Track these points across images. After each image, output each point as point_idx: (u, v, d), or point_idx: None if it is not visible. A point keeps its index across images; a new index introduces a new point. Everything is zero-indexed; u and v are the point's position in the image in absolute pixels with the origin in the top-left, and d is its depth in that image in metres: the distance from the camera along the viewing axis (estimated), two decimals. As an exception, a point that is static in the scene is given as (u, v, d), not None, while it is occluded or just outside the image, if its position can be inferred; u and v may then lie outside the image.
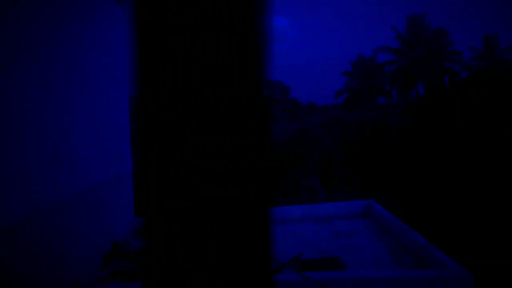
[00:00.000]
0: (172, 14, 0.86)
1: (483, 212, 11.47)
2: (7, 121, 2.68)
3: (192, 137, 0.87)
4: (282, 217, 5.28)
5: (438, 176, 13.95)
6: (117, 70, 4.92)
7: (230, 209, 0.90)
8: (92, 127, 4.04)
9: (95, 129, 4.11)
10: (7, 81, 2.70)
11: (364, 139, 18.14)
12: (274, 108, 35.07)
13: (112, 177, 4.47)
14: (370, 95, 36.42)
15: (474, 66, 33.05)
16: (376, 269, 3.68)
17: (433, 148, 15.37)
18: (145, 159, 0.91)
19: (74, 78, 3.70)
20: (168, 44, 0.86)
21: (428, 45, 31.46)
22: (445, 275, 3.14)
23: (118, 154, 4.82)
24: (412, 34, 32.30)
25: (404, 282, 3.12)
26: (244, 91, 0.91)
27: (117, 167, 4.73)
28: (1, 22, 2.64)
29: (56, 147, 3.31)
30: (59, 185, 3.29)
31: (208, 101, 0.87)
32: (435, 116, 17.83)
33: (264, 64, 0.98)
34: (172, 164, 0.88)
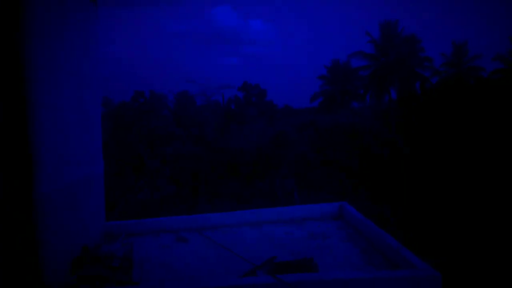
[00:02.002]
0: None
1: (452, 213, 11.84)
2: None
3: None
4: (256, 220, 5.28)
5: (410, 178, 14.31)
6: (89, 68, 4.79)
7: None
8: (61, 126, 3.91)
9: (65, 129, 3.98)
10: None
11: (338, 144, 18.44)
12: (251, 111, 35.11)
13: (82, 179, 4.34)
14: (344, 99, 37.04)
15: (443, 72, 34.17)
16: (348, 270, 3.73)
17: (405, 151, 15.77)
18: None
19: (43, 76, 3.58)
20: None
21: (400, 51, 32.31)
22: (414, 275, 3.23)
23: (89, 153, 4.69)
24: (385, 40, 33.11)
25: (375, 282, 3.18)
26: None
27: (89, 167, 4.59)
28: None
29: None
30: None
31: None
32: (407, 120, 18.30)
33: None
34: None
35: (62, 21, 4.01)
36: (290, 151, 18.59)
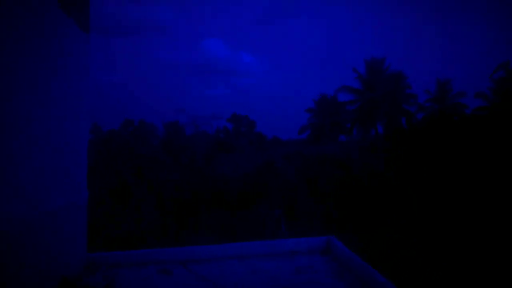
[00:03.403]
0: None
1: (441, 246, 11.83)
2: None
3: None
4: (243, 253, 5.18)
5: (398, 212, 14.36)
6: (77, 96, 4.79)
7: None
8: (46, 153, 3.86)
9: (49, 154, 3.92)
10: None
11: (325, 174, 18.51)
12: (240, 140, 35.27)
13: (64, 206, 4.23)
14: (332, 132, 37.56)
15: (428, 108, 35.13)
16: (335, 307, 3.65)
17: (392, 184, 15.90)
18: None
19: (31, 101, 3.57)
20: None
21: (387, 87, 33.23)
22: (402, 314, 3.17)
23: (73, 181, 4.60)
24: (372, 75, 34.09)
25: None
26: None
27: (72, 195, 4.49)
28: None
29: (3, 171, 3.12)
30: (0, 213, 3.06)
31: None
32: (394, 153, 18.56)
33: None
34: None
35: (49, 47, 4.03)
36: (278, 180, 18.55)
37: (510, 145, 13.91)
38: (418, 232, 12.72)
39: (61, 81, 4.30)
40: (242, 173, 19.39)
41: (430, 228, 12.68)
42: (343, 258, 4.77)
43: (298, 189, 18.06)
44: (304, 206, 16.86)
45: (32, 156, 3.57)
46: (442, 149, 15.91)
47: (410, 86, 33.87)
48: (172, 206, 17.46)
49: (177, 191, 18.11)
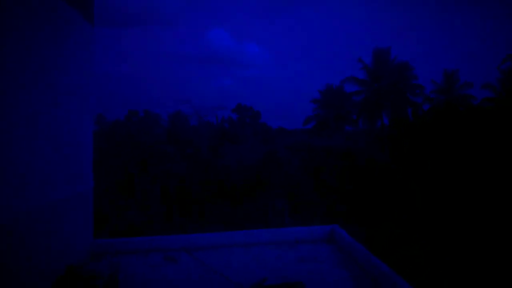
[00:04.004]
0: None
1: (444, 237, 11.81)
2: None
3: None
4: (247, 241, 5.22)
5: (403, 203, 14.32)
6: (83, 87, 4.80)
7: None
8: (52, 144, 3.88)
9: (55, 145, 3.95)
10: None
11: (330, 165, 18.48)
12: (245, 130, 35.23)
13: (71, 196, 4.28)
14: (337, 123, 37.38)
15: (435, 99, 34.76)
16: (338, 295, 3.67)
17: (398, 176, 15.83)
18: None
19: (38, 94, 3.59)
20: None
21: (393, 78, 32.92)
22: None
23: (79, 172, 4.64)
24: (378, 66, 33.76)
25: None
26: None
27: (77, 185, 4.54)
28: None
29: (12, 162, 3.15)
30: (7, 203, 3.10)
31: None
32: (400, 145, 18.45)
33: None
34: None
35: (55, 40, 4.04)
36: (282, 171, 18.57)
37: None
38: (420, 227, 12.69)
39: (66, 72, 4.32)
40: (246, 164, 19.43)
41: (432, 223, 12.65)
42: (347, 247, 4.79)
43: (302, 180, 18.08)
44: (308, 197, 16.89)
45: (38, 147, 3.60)
46: (447, 140, 15.80)
47: (417, 77, 33.53)
48: (176, 196, 17.56)
49: (182, 182, 18.21)
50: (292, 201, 16.19)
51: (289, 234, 5.37)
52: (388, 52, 33.95)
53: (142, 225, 15.39)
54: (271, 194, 16.50)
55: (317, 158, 19.86)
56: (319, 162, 19.21)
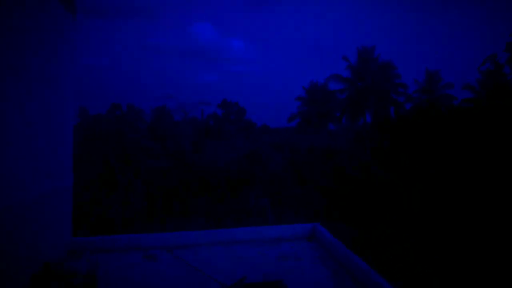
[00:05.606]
0: None
1: (424, 237, 12.03)
2: None
3: None
4: (228, 239, 5.21)
5: (385, 201, 14.54)
6: (63, 79, 4.68)
7: None
8: (29, 137, 3.78)
9: (29, 138, 3.83)
10: None
11: (312, 164, 18.60)
12: (230, 127, 35.11)
13: (48, 192, 4.17)
14: (321, 120, 37.65)
15: (416, 98, 35.35)
16: (318, 293, 3.70)
17: (379, 174, 16.06)
18: None
19: (12, 83, 3.47)
20: None
21: (376, 77, 33.34)
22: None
23: (57, 166, 4.53)
24: (362, 64, 34.11)
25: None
26: None
27: (56, 181, 4.43)
28: None
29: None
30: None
31: None
32: (381, 143, 18.71)
33: None
34: None
35: (30, 26, 3.91)
36: (265, 169, 18.60)
37: (494, 137, 14.13)
38: (408, 226, 12.87)
39: (46, 62, 4.20)
40: (230, 161, 19.39)
41: (420, 222, 12.85)
42: (328, 245, 4.83)
43: (286, 179, 18.14)
44: (291, 195, 16.96)
45: (15, 140, 3.49)
46: (429, 140, 16.09)
47: (400, 76, 34.03)
48: (159, 192, 17.40)
49: (164, 178, 18.04)
50: (275, 198, 16.25)
51: (271, 232, 5.38)
52: (372, 51, 34.34)
53: (124, 222, 15.20)
54: (254, 191, 16.52)
55: (300, 157, 19.96)
56: (302, 161, 19.31)
